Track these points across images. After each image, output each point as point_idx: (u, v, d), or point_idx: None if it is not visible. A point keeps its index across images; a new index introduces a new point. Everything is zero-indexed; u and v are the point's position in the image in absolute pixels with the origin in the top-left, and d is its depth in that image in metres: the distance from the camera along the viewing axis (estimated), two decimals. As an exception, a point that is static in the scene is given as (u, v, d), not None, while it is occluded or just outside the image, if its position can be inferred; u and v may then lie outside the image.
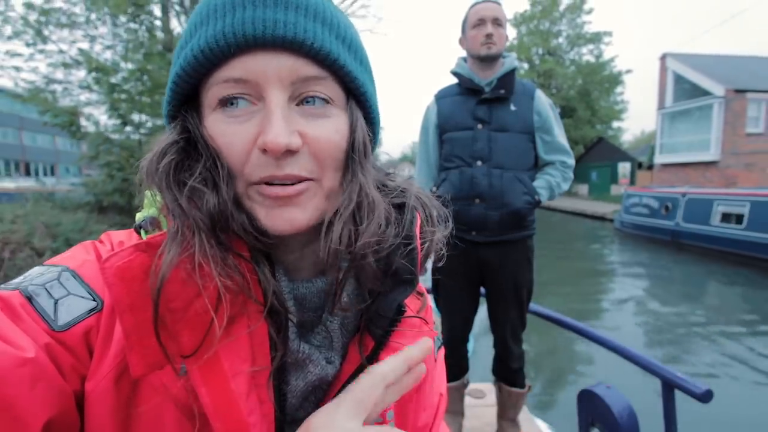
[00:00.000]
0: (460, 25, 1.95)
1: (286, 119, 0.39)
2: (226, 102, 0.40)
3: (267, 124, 0.39)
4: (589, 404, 1.54)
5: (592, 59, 28.97)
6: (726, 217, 9.90)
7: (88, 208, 9.13)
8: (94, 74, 7.62)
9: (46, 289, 0.39)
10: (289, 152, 0.39)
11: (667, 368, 1.41)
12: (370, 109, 0.48)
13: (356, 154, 0.44)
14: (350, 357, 0.46)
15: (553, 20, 29.26)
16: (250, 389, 0.39)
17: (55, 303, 0.39)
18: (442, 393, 0.59)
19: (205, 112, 0.42)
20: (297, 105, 0.41)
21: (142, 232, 0.44)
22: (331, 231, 0.42)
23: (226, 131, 0.40)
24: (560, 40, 29.55)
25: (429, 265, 0.52)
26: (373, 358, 0.45)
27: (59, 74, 8.02)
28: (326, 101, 0.42)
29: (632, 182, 22.64)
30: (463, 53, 1.96)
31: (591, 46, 29.15)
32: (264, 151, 0.39)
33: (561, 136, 1.90)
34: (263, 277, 0.40)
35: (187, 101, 0.43)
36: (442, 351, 0.61)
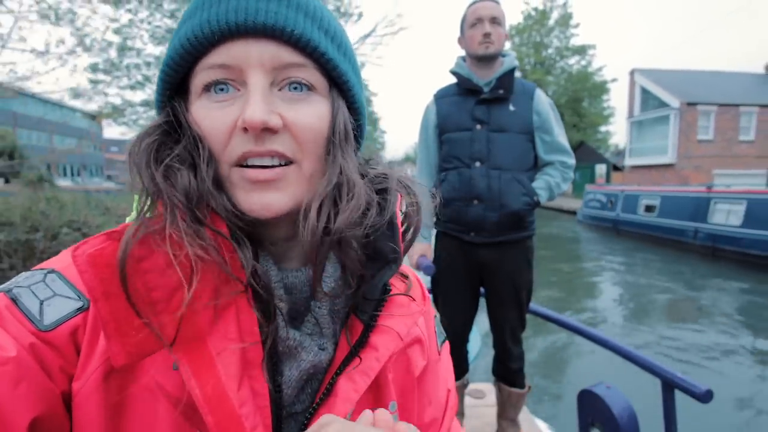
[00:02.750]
0: (459, 25, 1.94)
1: (266, 100, 0.41)
2: (211, 87, 0.42)
3: (246, 104, 0.40)
4: (589, 404, 1.54)
5: (578, 69, 30.72)
6: (647, 208, 13.40)
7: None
8: None
9: (31, 290, 0.39)
10: (269, 130, 0.40)
11: (667, 368, 1.41)
12: (353, 99, 0.48)
13: (337, 139, 0.45)
14: (342, 343, 0.46)
15: (544, 33, 30.58)
16: (242, 380, 0.38)
17: (41, 303, 0.39)
18: (449, 388, 0.58)
19: (191, 99, 0.44)
20: (279, 90, 0.43)
21: None
22: (309, 211, 0.42)
23: (209, 115, 0.41)
24: (550, 51, 31.01)
25: (431, 263, 0.51)
26: (362, 341, 0.45)
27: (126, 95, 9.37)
28: (308, 88, 0.43)
29: (608, 182, 25.02)
30: (463, 53, 1.95)
31: (578, 57, 30.80)
32: (245, 130, 0.40)
33: (561, 136, 1.88)
34: (242, 256, 0.40)
35: (176, 92, 0.45)
36: (447, 346, 0.60)
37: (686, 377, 1.35)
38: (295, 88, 0.43)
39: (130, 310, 0.35)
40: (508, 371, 1.95)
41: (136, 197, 0.46)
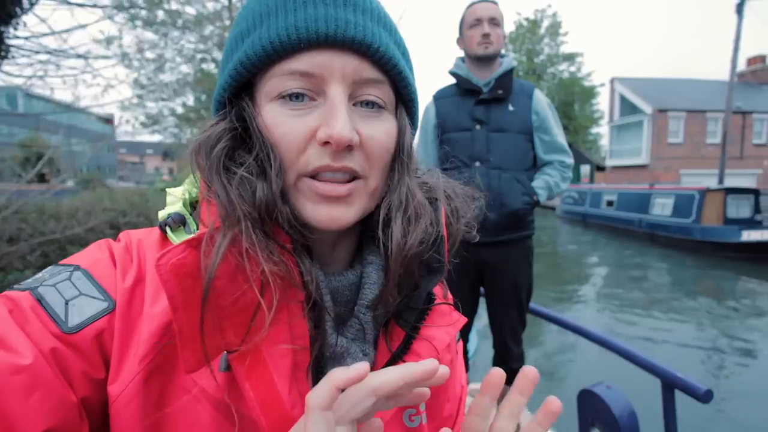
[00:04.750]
0: (458, 26, 1.94)
1: (349, 115, 0.40)
2: (288, 95, 0.41)
3: (332, 118, 0.39)
4: (589, 404, 1.54)
5: (567, 75, 32.35)
6: (608, 203, 16.24)
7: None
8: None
9: (57, 289, 0.39)
10: (348, 147, 0.40)
11: (667, 368, 1.41)
12: (414, 116, 0.50)
13: (404, 156, 0.46)
14: (381, 349, 0.46)
15: (535, 41, 31.97)
16: (291, 384, 0.39)
17: (66, 303, 0.38)
18: (463, 385, 0.60)
19: (261, 101, 0.42)
20: (354, 105, 0.43)
21: (167, 228, 0.44)
22: (390, 228, 0.43)
23: (285, 122, 0.41)
24: (541, 57, 32.43)
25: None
26: (405, 348, 0.46)
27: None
28: (381, 107, 0.44)
29: (591, 181, 28.01)
30: (462, 53, 1.96)
31: (567, 63, 32.37)
32: (325, 144, 0.39)
33: (560, 136, 1.89)
34: (305, 269, 0.40)
35: (240, 89, 0.44)
36: (461, 344, 0.62)
37: (686, 377, 1.36)
38: (367, 104, 0.43)
39: (206, 320, 0.35)
40: (509, 371, 1.93)
41: (168, 191, 0.47)
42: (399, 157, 0.45)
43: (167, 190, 0.47)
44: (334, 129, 0.38)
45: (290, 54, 0.40)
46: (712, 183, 14.90)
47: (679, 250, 11.86)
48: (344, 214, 0.42)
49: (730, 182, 16.01)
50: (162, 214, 0.46)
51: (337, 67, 0.40)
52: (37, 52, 4.03)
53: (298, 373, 0.40)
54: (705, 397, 1.30)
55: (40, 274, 0.41)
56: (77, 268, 0.41)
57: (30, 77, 4.21)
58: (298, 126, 0.40)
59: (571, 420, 1.70)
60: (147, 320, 0.39)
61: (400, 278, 0.45)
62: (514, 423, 0.40)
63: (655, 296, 7.64)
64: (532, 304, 1.96)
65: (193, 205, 0.49)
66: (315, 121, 0.40)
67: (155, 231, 0.47)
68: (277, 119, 0.41)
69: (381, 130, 0.43)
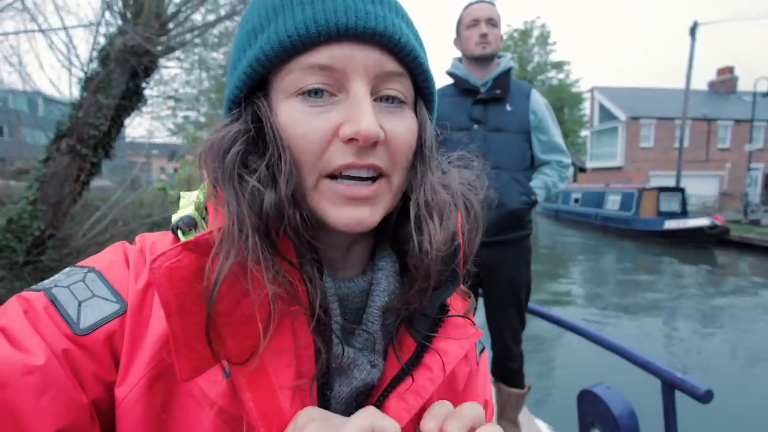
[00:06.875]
0: (455, 26, 1.94)
1: (374, 110, 0.39)
2: (307, 91, 0.39)
3: (357, 114, 0.38)
4: (589, 404, 1.55)
5: (557, 82, 34.28)
6: (575, 200, 19.76)
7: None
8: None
9: (70, 290, 0.39)
10: (373, 144, 0.39)
11: (667, 368, 1.42)
12: (433, 110, 0.49)
13: (426, 152, 0.44)
14: (390, 359, 0.45)
15: (526, 50, 33.66)
16: (294, 394, 0.38)
17: (79, 305, 0.38)
18: (487, 399, 0.58)
19: (277, 98, 0.40)
20: (374, 100, 0.41)
21: (179, 232, 0.44)
22: (427, 226, 0.42)
23: (305, 120, 0.39)
24: (532, 65, 34.16)
25: None
26: (416, 360, 0.44)
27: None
28: (402, 102, 0.42)
29: (575, 181, 30.57)
30: (458, 54, 1.95)
31: (555, 71, 34.33)
32: (350, 141, 0.38)
33: (557, 136, 1.90)
34: (311, 287, 0.39)
35: (254, 87, 0.42)
36: (485, 356, 0.60)
37: (686, 377, 1.37)
38: (388, 100, 0.41)
39: (200, 326, 0.34)
40: (508, 371, 1.94)
41: (182, 194, 0.46)
42: (422, 152, 0.44)
43: (181, 193, 0.47)
44: (361, 125, 0.37)
45: (309, 48, 0.38)
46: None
47: (622, 237, 15.28)
48: (369, 215, 0.40)
49: (694, 182, 20.71)
50: (175, 218, 0.45)
51: (359, 61, 0.39)
52: (156, 97, 5.80)
53: (301, 384, 0.39)
54: (705, 397, 1.31)
55: (56, 276, 0.41)
56: (92, 269, 0.41)
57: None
58: (320, 123, 0.38)
59: (571, 420, 1.70)
60: (155, 323, 0.39)
61: (421, 282, 0.43)
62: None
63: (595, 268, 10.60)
64: (531, 304, 1.96)
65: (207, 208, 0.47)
66: (337, 117, 0.39)
67: (169, 234, 0.46)
68: (296, 117, 0.39)
69: (403, 126, 0.42)
